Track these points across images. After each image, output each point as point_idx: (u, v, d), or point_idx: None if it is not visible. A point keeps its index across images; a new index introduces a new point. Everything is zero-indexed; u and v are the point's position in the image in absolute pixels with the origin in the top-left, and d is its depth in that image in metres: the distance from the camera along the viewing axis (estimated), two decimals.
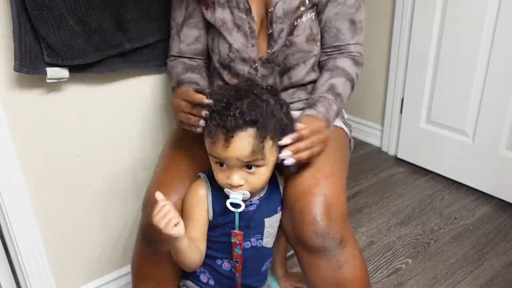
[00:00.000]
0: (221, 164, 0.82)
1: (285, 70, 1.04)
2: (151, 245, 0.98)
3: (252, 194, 0.87)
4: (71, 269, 1.24)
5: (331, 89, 0.99)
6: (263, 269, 0.96)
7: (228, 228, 0.88)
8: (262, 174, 0.83)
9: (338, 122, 1.08)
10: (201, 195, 0.89)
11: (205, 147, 0.85)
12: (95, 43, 1.02)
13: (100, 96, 1.13)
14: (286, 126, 0.83)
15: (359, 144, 2.30)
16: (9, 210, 1.06)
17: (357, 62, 1.05)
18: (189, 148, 1.00)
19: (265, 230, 0.91)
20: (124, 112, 1.19)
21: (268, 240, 0.93)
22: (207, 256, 0.91)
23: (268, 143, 0.81)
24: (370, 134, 2.30)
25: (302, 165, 0.92)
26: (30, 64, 0.95)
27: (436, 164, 1.99)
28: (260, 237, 0.91)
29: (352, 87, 1.04)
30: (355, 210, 1.77)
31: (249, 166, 0.81)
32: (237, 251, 0.87)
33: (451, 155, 1.91)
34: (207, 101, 0.85)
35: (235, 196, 0.82)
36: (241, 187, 0.82)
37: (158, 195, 0.78)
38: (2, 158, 1.01)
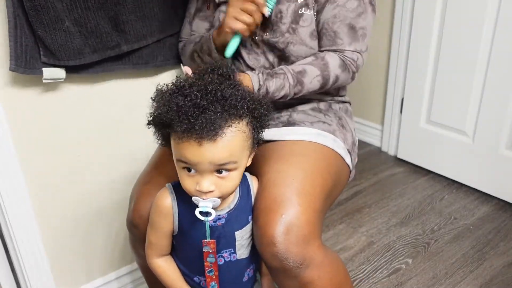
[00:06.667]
0: (189, 170, 0.74)
1: (284, 58, 1.01)
2: (134, 237, 0.99)
3: (223, 201, 0.80)
4: (71, 269, 1.24)
5: (300, 73, 0.95)
6: (244, 279, 0.91)
7: (198, 243, 0.83)
8: (233, 179, 0.76)
9: (340, 150, 1.00)
10: (167, 207, 0.83)
11: None
12: (92, 44, 1.02)
13: (98, 97, 1.13)
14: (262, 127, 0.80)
15: (359, 144, 2.30)
16: (9, 210, 1.06)
17: (345, 67, 0.98)
18: None
19: (237, 243, 0.85)
20: (122, 113, 1.19)
21: (242, 251, 0.87)
22: (183, 273, 0.89)
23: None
24: (370, 134, 2.30)
25: (273, 177, 0.87)
26: (25, 64, 0.94)
27: (436, 164, 1.99)
28: (232, 251, 0.85)
29: (322, 87, 0.98)
30: (355, 210, 1.77)
31: (219, 171, 0.74)
32: (210, 260, 0.81)
33: (451, 155, 1.91)
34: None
35: (205, 204, 0.75)
36: (212, 194, 0.75)
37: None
38: (2, 158, 1.01)
